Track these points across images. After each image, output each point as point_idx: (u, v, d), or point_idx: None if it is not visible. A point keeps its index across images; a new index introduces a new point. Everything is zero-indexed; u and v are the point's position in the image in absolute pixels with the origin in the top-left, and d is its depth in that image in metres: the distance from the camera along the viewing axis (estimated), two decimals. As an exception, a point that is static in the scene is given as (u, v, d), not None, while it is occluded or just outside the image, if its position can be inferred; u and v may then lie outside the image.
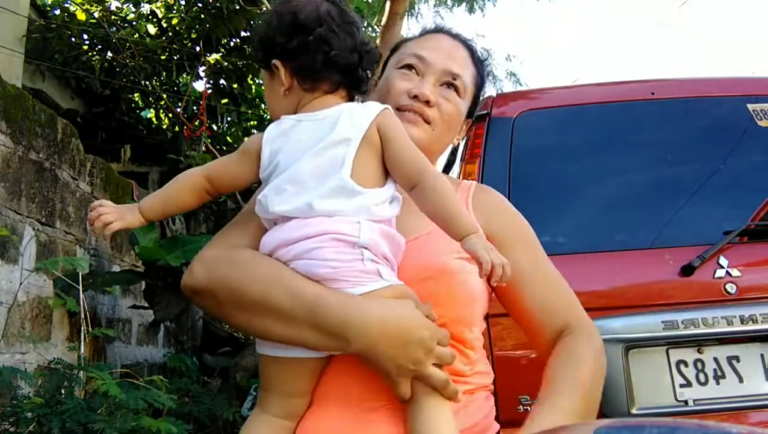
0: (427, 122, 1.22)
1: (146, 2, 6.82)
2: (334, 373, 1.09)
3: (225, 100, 7.16)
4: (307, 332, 1.02)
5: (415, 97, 1.21)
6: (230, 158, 1.20)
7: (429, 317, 1.05)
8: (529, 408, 1.67)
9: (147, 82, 6.88)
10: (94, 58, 6.65)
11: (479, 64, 1.31)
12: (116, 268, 4.62)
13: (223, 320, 1.15)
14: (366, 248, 1.03)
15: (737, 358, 1.73)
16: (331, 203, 1.04)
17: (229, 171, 1.19)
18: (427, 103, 1.21)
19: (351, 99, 1.16)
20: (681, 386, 1.71)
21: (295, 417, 1.10)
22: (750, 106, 2.04)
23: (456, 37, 1.32)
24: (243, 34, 6.70)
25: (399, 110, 1.21)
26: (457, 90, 1.25)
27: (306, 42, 1.11)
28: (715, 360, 1.73)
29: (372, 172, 1.08)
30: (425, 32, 1.34)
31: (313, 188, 1.05)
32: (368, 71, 1.16)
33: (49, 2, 6.96)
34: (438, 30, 1.34)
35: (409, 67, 1.26)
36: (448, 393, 1.04)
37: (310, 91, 1.14)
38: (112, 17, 6.82)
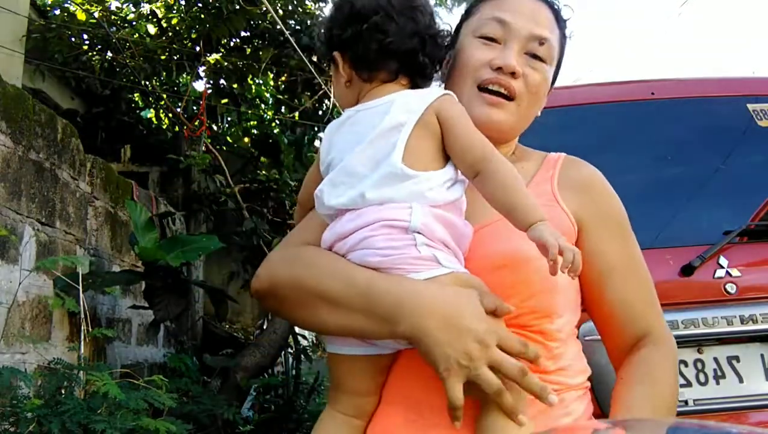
0: (512, 96, 1.10)
1: (146, 2, 6.82)
2: (401, 374, 1.06)
3: (225, 100, 7.16)
4: (360, 319, 0.98)
5: (499, 69, 1.09)
6: (310, 169, 1.21)
7: (499, 309, 0.96)
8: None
9: (147, 82, 6.88)
10: (94, 58, 6.64)
11: (561, 22, 1.17)
12: (116, 268, 4.61)
13: (289, 320, 1.13)
14: (419, 232, 0.98)
15: (737, 358, 1.73)
16: (382, 191, 1.00)
17: (308, 184, 1.18)
18: (513, 75, 1.09)
19: (415, 87, 1.10)
20: (681, 386, 1.71)
21: (365, 416, 1.07)
22: (750, 106, 2.04)
23: None
24: (243, 34, 6.70)
25: (481, 85, 1.11)
26: (543, 58, 1.12)
27: (360, 31, 1.08)
28: (715, 360, 1.73)
29: (428, 155, 1.03)
30: None
31: (366, 178, 1.02)
32: (433, 57, 1.10)
33: (49, 2, 6.96)
34: None
35: (489, 35, 1.12)
36: (505, 405, 0.92)
37: (368, 81, 1.10)
38: (112, 17, 6.82)
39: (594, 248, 1.07)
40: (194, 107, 6.83)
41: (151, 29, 7.06)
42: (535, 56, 1.11)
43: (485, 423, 0.95)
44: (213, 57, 6.82)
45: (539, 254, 0.96)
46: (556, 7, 1.18)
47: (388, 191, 1.00)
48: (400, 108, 1.04)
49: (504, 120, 1.10)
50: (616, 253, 1.10)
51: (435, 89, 1.08)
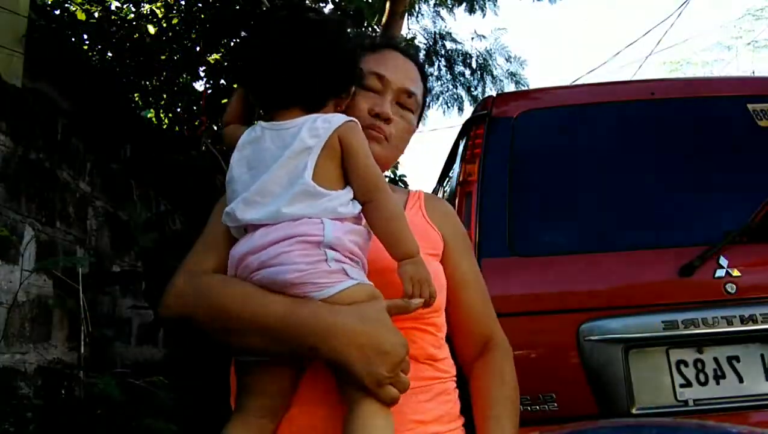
0: (387, 138, 1.30)
1: (146, 2, 6.83)
2: (318, 372, 1.12)
3: (225, 101, 7.16)
4: (284, 345, 1.07)
5: (377, 115, 1.29)
6: None
7: (406, 308, 1.09)
8: (529, 408, 1.68)
9: (147, 82, 6.89)
10: (94, 58, 6.65)
11: (423, 78, 1.42)
12: (116, 268, 4.62)
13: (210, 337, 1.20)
14: (331, 247, 1.07)
15: (737, 358, 1.74)
16: (297, 208, 1.08)
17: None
18: (387, 120, 1.29)
19: (313, 111, 1.18)
20: (681, 386, 1.71)
21: (277, 416, 1.12)
22: (750, 106, 2.04)
23: (408, 55, 1.41)
24: (243, 34, 6.70)
25: (362, 127, 1.28)
26: (410, 108, 1.35)
27: (249, 61, 1.19)
28: (715, 360, 1.74)
29: (334, 176, 1.12)
30: (378, 46, 1.41)
31: (280, 196, 1.09)
32: (329, 85, 1.19)
33: (49, 2, 6.96)
34: (391, 46, 1.42)
35: (370, 86, 1.32)
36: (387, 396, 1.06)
37: (266, 107, 1.20)
38: (112, 17, 6.82)
39: (453, 263, 1.29)
40: (194, 107, 6.83)
41: (151, 29, 7.06)
42: (404, 106, 1.34)
43: (352, 419, 1.05)
44: (213, 57, 6.82)
45: (430, 261, 1.20)
46: (421, 66, 1.42)
47: (303, 207, 1.08)
48: (308, 132, 1.12)
49: (382, 154, 1.29)
50: (468, 268, 1.32)
51: (340, 116, 1.16)
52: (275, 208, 1.08)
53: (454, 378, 1.26)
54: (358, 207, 1.14)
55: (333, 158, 1.12)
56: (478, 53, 10.82)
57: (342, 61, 1.20)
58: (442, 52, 10.82)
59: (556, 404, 1.69)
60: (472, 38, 11.15)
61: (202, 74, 7.05)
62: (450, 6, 9.95)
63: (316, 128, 1.13)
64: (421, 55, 10.63)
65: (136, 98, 7.51)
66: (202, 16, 6.45)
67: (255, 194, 1.11)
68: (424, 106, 1.43)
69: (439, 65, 10.89)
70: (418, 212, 1.34)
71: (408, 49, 1.46)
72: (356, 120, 1.18)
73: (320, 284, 1.06)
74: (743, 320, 1.71)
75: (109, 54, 6.62)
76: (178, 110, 6.38)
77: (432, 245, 1.27)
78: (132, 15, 7.04)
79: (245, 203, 1.11)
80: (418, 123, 1.42)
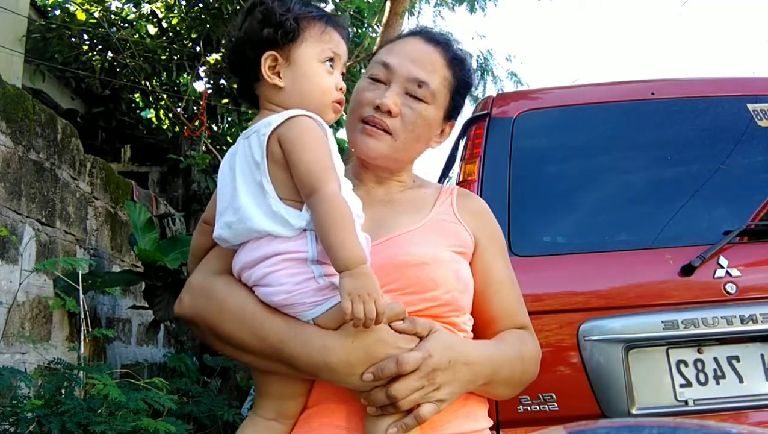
0: (389, 132, 1.20)
1: (146, 2, 6.82)
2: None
3: (225, 101, 7.16)
4: (281, 367, 1.06)
5: (378, 107, 1.20)
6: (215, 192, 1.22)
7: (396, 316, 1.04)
8: (529, 408, 1.68)
9: (147, 82, 6.89)
10: (94, 58, 6.65)
11: (455, 64, 1.26)
12: (116, 268, 4.61)
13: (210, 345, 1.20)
14: (318, 262, 1.03)
15: (737, 358, 1.73)
16: (272, 224, 1.04)
17: (214, 205, 1.17)
18: (390, 113, 1.19)
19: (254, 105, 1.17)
20: (681, 386, 1.71)
21: (289, 418, 1.12)
22: (750, 107, 2.04)
23: (430, 39, 1.26)
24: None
25: (363, 121, 1.21)
26: (422, 98, 1.21)
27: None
28: (715, 360, 1.73)
29: (293, 185, 1.05)
30: (401, 36, 1.30)
31: (252, 213, 1.04)
32: (237, 71, 1.16)
33: (49, 2, 6.96)
34: (413, 33, 1.29)
35: (376, 76, 1.23)
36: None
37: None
38: (112, 17, 6.82)
39: (487, 264, 1.22)
40: (194, 107, 6.83)
41: (151, 29, 7.06)
42: (414, 97, 1.21)
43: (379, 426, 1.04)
44: (213, 57, 6.82)
45: (453, 258, 1.15)
46: (449, 49, 1.26)
47: (278, 225, 1.03)
48: (256, 139, 1.07)
49: (382, 148, 1.20)
50: (502, 269, 1.25)
51: (286, 113, 1.07)
52: (250, 228, 1.04)
53: None
54: None
55: (281, 166, 1.04)
56: (478, 53, 10.83)
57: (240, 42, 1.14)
58: (442, 52, 10.81)
59: (556, 404, 1.69)
60: (473, 38, 11.17)
61: (202, 74, 7.06)
62: (451, 5, 9.94)
63: (259, 135, 1.06)
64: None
65: (136, 98, 7.52)
66: (203, 16, 6.44)
67: (229, 214, 1.07)
68: (457, 94, 1.27)
69: (439, 65, 10.88)
70: (448, 208, 1.25)
71: (438, 34, 1.28)
72: (309, 113, 1.07)
73: (309, 303, 1.03)
74: (743, 321, 1.71)
75: (109, 54, 6.62)
76: (178, 109, 6.37)
77: (459, 242, 1.19)
78: (132, 15, 7.04)
79: (227, 226, 1.08)
80: (452, 113, 1.28)
